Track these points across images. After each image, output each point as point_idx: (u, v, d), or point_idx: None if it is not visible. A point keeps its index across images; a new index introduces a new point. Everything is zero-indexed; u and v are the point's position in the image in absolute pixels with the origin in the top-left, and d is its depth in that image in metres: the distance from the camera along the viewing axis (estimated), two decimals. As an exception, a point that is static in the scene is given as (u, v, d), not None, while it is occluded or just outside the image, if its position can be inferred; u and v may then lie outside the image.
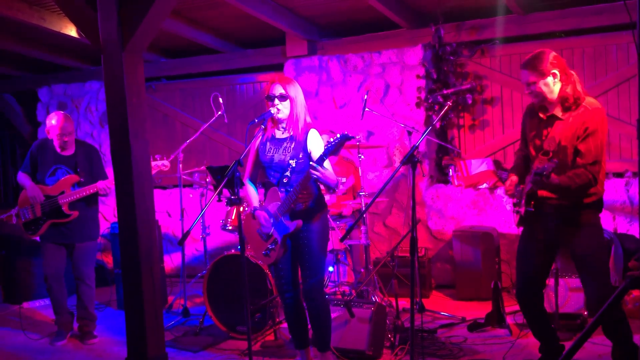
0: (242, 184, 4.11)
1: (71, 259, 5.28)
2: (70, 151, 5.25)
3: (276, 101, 3.86)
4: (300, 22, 6.76)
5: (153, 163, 5.05)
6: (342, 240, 4.00)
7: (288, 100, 3.86)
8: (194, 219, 7.30)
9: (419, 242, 6.24)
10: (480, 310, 5.38)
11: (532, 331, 3.92)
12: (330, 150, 3.59)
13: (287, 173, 3.87)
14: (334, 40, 7.18)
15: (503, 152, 6.81)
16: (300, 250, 3.93)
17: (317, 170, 3.62)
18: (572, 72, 3.61)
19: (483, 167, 6.60)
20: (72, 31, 6.55)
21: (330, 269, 5.33)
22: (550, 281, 4.69)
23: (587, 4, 6.13)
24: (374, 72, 6.95)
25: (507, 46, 6.65)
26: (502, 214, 6.38)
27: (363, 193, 5.26)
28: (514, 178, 3.76)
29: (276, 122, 3.95)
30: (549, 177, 3.33)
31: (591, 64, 6.35)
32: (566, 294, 4.90)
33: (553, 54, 3.58)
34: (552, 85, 3.55)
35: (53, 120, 5.17)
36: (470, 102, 6.69)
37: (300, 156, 3.84)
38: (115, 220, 7.53)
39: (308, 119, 3.96)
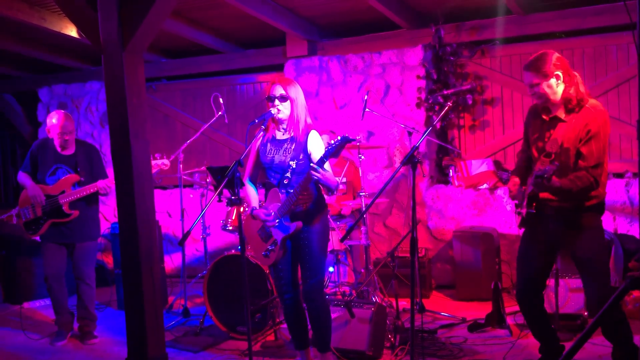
0: (243, 185, 4.11)
1: (71, 259, 5.28)
2: (70, 151, 5.25)
3: (276, 102, 3.86)
4: (300, 23, 6.76)
5: (153, 162, 5.06)
6: (342, 240, 4.01)
7: (288, 101, 3.87)
8: (194, 219, 7.30)
9: (419, 243, 6.24)
10: (480, 310, 5.38)
11: (532, 332, 3.92)
12: (331, 153, 3.59)
13: (288, 174, 3.87)
14: (334, 41, 7.19)
15: (503, 152, 6.82)
16: (301, 251, 3.93)
17: (318, 172, 3.62)
18: (575, 73, 3.60)
19: (483, 168, 6.61)
20: (72, 31, 6.55)
21: (331, 269, 5.33)
22: (551, 282, 4.69)
23: (587, 5, 6.13)
24: (374, 73, 6.95)
25: (507, 47, 6.65)
26: (502, 215, 6.38)
27: (363, 193, 5.26)
28: (516, 180, 3.76)
29: (277, 122, 3.95)
30: (550, 179, 3.32)
31: (591, 65, 6.35)
32: (566, 294, 4.90)
33: (556, 55, 3.57)
34: (556, 87, 3.54)
35: (54, 119, 5.18)
36: (470, 102, 6.70)
37: (301, 157, 3.84)
38: (116, 220, 7.53)
39: (308, 120, 3.96)
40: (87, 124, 8.39)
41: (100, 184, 5.08)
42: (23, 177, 5.24)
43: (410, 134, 5.74)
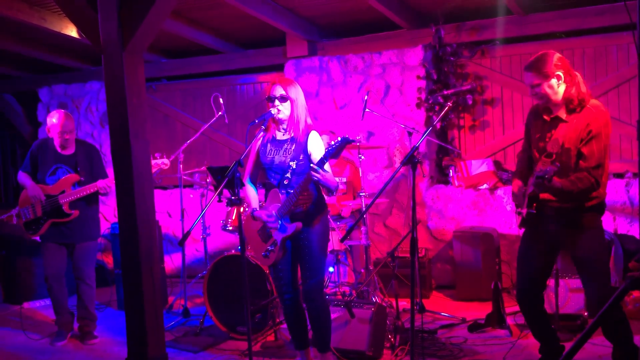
0: (243, 185, 4.11)
1: (72, 259, 5.28)
2: (70, 150, 5.25)
3: (276, 102, 3.86)
4: (300, 23, 6.76)
5: (153, 161, 5.06)
6: (342, 240, 4.00)
7: (288, 102, 3.87)
8: (194, 219, 7.30)
9: (419, 243, 6.24)
10: (480, 310, 5.38)
11: (532, 332, 3.92)
12: (331, 154, 3.59)
13: (288, 175, 3.87)
14: (335, 41, 7.19)
15: (503, 152, 6.82)
16: (301, 251, 3.93)
17: (318, 173, 3.63)
18: (577, 73, 3.59)
19: (483, 168, 6.61)
20: (72, 31, 6.55)
21: (331, 269, 5.33)
22: (551, 282, 4.69)
23: (588, 5, 6.13)
24: (375, 73, 6.95)
25: (507, 47, 6.65)
26: (502, 215, 6.38)
27: (363, 194, 5.26)
28: (519, 183, 3.75)
29: (277, 123, 3.95)
30: (551, 180, 3.31)
31: (591, 65, 6.35)
32: (566, 294, 4.90)
33: (557, 55, 3.56)
34: (557, 87, 3.53)
35: (54, 119, 5.18)
36: (470, 102, 6.70)
37: (301, 158, 3.84)
38: (116, 220, 7.53)
39: (309, 121, 3.96)
40: (87, 124, 8.39)
41: (100, 183, 5.08)
42: (23, 177, 5.24)
43: (410, 134, 5.74)
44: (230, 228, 5.34)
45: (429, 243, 6.71)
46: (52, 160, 5.22)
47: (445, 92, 6.61)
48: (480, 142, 6.91)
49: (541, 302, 3.86)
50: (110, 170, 4.58)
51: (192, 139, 6.09)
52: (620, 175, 6.20)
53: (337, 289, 5.24)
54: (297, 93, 3.90)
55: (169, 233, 7.91)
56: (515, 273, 3.93)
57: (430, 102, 6.69)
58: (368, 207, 4.10)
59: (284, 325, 4.81)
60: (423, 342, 4.65)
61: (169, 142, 7.90)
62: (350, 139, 3.59)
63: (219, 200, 5.38)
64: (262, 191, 4.14)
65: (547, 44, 6.38)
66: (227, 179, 3.59)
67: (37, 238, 5.27)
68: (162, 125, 8.22)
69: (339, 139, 3.57)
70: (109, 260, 7.80)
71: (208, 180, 6.00)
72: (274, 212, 3.89)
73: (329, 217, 4.21)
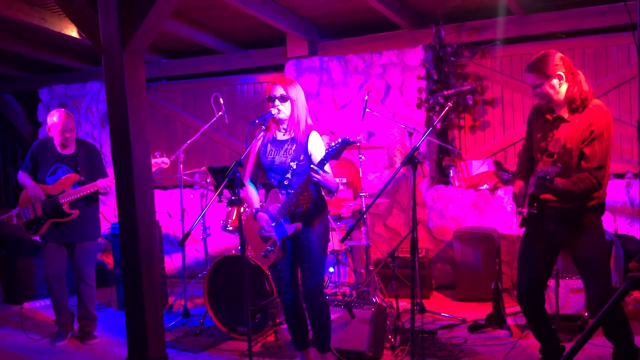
0: (243, 185, 4.11)
1: (72, 259, 5.28)
2: (70, 150, 5.25)
3: (277, 102, 3.85)
4: (301, 23, 6.76)
5: (153, 160, 5.06)
6: (342, 241, 4.00)
7: (289, 102, 3.86)
8: (194, 219, 7.30)
9: (420, 243, 6.25)
10: (480, 311, 5.38)
11: (532, 332, 3.91)
12: (332, 155, 3.59)
13: (288, 175, 3.87)
14: (335, 41, 7.19)
15: (504, 153, 6.81)
16: (300, 252, 3.93)
17: (318, 174, 3.62)
18: (579, 72, 3.59)
19: (484, 168, 6.61)
20: (72, 32, 6.55)
21: (331, 269, 5.32)
22: (551, 282, 4.69)
23: (588, 5, 6.13)
24: (375, 73, 6.95)
25: (507, 47, 6.65)
26: (502, 215, 6.38)
27: (363, 194, 5.26)
28: (521, 184, 3.74)
29: (277, 123, 3.94)
30: (553, 181, 3.30)
31: (592, 65, 6.35)
32: (567, 295, 4.90)
33: (559, 55, 3.55)
34: (558, 87, 3.52)
35: (54, 117, 5.18)
36: (470, 103, 6.70)
37: (301, 158, 3.84)
38: (116, 220, 7.53)
39: (309, 121, 3.95)
40: (88, 124, 8.39)
41: (100, 183, 5.08)
42: (23, 177, 5.24)
43: (410, 134, 5.74)
44: (231, 228, 5.34)
45: (429, 243, 6.71)
46: (52, 159, 5.22)
47: (446, 93, 6.61)
48: (481, 143, 6.90)
49: (542, 302, 3.86)
50: (110, 170, 4.58)
51: (192, 139, 6.09)
52: (620, 176, 6.20)
53: (337, 289, 5.24)
54: (297, 93, 3.89)
55: (169, 233, 7.91)
56: (516, 273, 3.93)
57: (430, 102, 6.69)
58: (368, 207, 4.10)
59: (284, 326, 4.81)
60: (423, 342, 4.65)
61: (170, 142, 7.90)
62: (351, 140, 3.58)
63: (219, 201, 5.38)
64: (263, 191, 4.14)
65: (547, 44, 6.38)
66: (227, 179, 3.59)
67: (37, 238, 5.27)
68: (162, 126, 8.22)
69: (340, 140, 3.56)
70: (109, 260, 7.80)
71: (208, 180, 5.99)
72: (274, 214, 3.89)
73: (329, 217, 4.21)
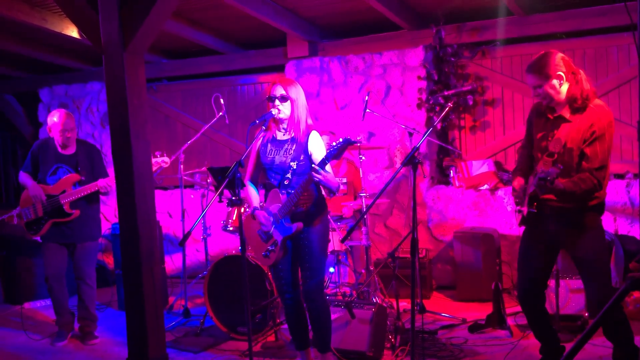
0: (243, 185, 4.11)
1: (72, 259, 5.28)
2: (71, 150, 5.25)
3: (277, 102, 3.85)
4: (301, 23, 6.76)
5: (153, 160, 5.06)
6: (343, 241, 4.00)
7: (289, 102, 3.86)
8: (195, 219, 7.30)
9: (420, 243, 6.25)
10: (481, 311, 5.38)
11: (533, 332, 3.91)
12: (333, 154, 3.59)
13: (288, 175, 3.87)
14: (335, 42, 7.19)
15: (504, 153, 6.82)
16: (301, 252, 3.93)
17: (319, 174, 3.62)
18: (581, 70, 3.58)
19: (484, 169, 6.61)
20: (73, 32, 6.55)
21: (331, 269, 5.33)
22: (551, 282, 4.69)
23: (588, 6, 6.13)
24: (375, 73, 6.96)
25: (507, 47, 6.66)
26: (502, 215, 6.38)
27: (364, 194, 5.26)
28: (521, 180, 3.74)
29: (277, 123, 3.95)
30: (554, 182, 3.30)
31: (592, 65, 6.35)
32: (567, 295, 4.90)
33: (559, 55, 3.55)
34: (559, 87, 3.52)
35: (55, 117, 5.18)
36: (471, 103, 6.70)
37: (301, 158, 3.84)
38: (117, 220, 7.53)
39: (309, 121, 3.95)
40: (88, 125, 8.40)
41: (100, 182, 5.08)
42: (24, 177, 5.25)
43: (411, 134, 5.74)
44: (231, 228, 5.35)
45: (429, 243, 6.71)
46: (53, 160, 5.22)
47: (446, 93, 6.61)
48: (481, 143, 6.91)
49: (542, 302, 3.86)
50: (111, 171, 4.58)
51: (192, 140, 6.09)
52: (620, 176, 6.20)
53: (337, 290, 5.24)
54: (297, 93, 3.89)
55: (169, 233, 7.92)
56: (516, 274, 3.93)
57: (430, 102, 6.69)
58: (369, 207, 4.11)
59: (285, 326, 4.82)
60: (423, 342, 4.65)
61: (170, 143, 7.90)
62: (352, 139, 3.58)
63: (220, 201, 5.37)
64: (263, 192, 4.14)
65: (547, 44, 6.38)
66: (227, 180, 3.59)
67: (38, 238, 5.27)
68: (162, 126, 8.23)
69: (341, 139, 3.56)
70: (109, 260, 7.80)
71: (209, 180, 6.00)
72: (271, 218, 3.89)
73: (329, 217, 4.21)
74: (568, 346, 3.58)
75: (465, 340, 4.77)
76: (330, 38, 7.24)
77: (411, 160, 3.49)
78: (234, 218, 5.35)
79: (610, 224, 5.93)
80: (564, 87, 3.53)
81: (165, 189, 8.14)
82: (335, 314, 4.44)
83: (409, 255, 4.72)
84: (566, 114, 3.56)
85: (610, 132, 3.49)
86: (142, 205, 4.04)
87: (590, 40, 6.36)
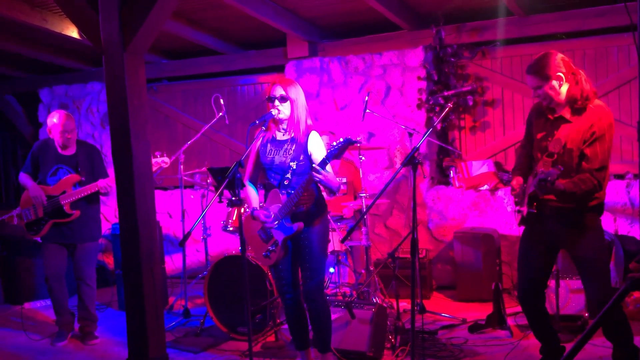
0: (243, 185, 4.11)
1: (72, 259, 5.28)
2: (71, 151, 5.25)
3: (277, 102, 3.86)
4: (301, 24, 6.76)
5: (153, 160, 5.06)
6: (343, 241, 4.01)
7: (288, 102, 3.86)
8: (195, 220, 7.31)
9: (420, 244, 6.25)
10: (481, 311, 5.38)
11: (533, 332, 3.92)
12: (334, 154, 3.59)
13: (288, 175, 3.87)
14: (335, 42, 7.19)
15: (504, 153, 6.82)
16: (301, 252, 3.93)
17: (320, 174, 3.62)
18: (581, 71, 3.58)
19: (484, 169, 6.61)
20: (73, 32, 6.55)
21: (331, 270, 5.33)
22: (551, 283, 4.69)
23: (588, 6, 6.13)
24: (375, 74, 6.96)
25: (507, 48, 6.66)
26: (503, 216, 6.38)
27: (364, 194, 5.26)
28: (520, 180, 3.74)
29: (277, 123, 3.95)
30: (554, 183, 3.30)
31: (592, 66, 6.35)
32: (567, 295, 4.90)
33: (559, 56, 3.55)
34: (559, 88, 3.52)
35: (55, 119, 5.18)
36: (471, 103, 6.70)
37: (301, 158, 3.84)
38: (117, 221, 7.54)
39: (309, 121, 3.95)
40: (88, 125, 8.40)
41: (101, 183, 5.08)
42: (24, 178, 5.25)
43: (410, 135, 5.75)
44: (231, 229, 5.35)
45: (429, 244, 6.71)
46: (53, 160, 5.22)
47: (446, 93, 6.61)
48: (481, 143, 6.91)
49: (542, 302, 3.86)
50: (111, 171, 4.58)
51: (192, 140, 6.09)
52: (620, 177, 6.20)
53: (337, 290, 5.25)
54: (297, 93, 3.89)
55: (169, 234, 7.92)
56: (516, 274, 3.93)
57: (430, 103, 6.69)
58: (369, 207, 4.11)
59: (285, 326, 4.82)
60: (423, 342, 4.66)
61: (170, 143, 7.91)
62: (353, 139, 3.57)
63: (220, 201, 5.38)
64: (263, 192, 4.14)
65: (547, 45, 6.38)
66: (227, 180, 3.59)
67: (38, 239, 5.27)
68: (163, 126, 8.23)
69: (342, 139, 3.56)
70: (109, 260, 7.80)
71: (209, 181, 6.00)
72: (272, 213, 3.89)
73: (329, 217, 4.21)
74: (568, 346, 3.59)
75: (465, 340, 4.78)
76: (330, 38, 7.25)
77: (411, 161, 3.49)
78: (234, 218, 5.36)
79: (610, 224, 5.93)
80: (564, 88, 3.53)
81: (165, 189, 8.15)
82: (335, 314, 4.44)
83: (409, 256, 4.73)
84: (566, 114, 3.56)
85: (610, 132, 3.49)
86: (142, 205, 4.04)
87: (590, 41, 6.36)
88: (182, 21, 6.56)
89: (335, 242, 5.28)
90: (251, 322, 3.99)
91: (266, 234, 3.97)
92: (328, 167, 3.71)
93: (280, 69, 7.53)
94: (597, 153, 3.45)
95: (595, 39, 6.33)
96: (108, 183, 5.08)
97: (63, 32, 6.45)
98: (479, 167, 6.63)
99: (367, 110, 5.59)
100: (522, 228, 3.81)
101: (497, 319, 4.91)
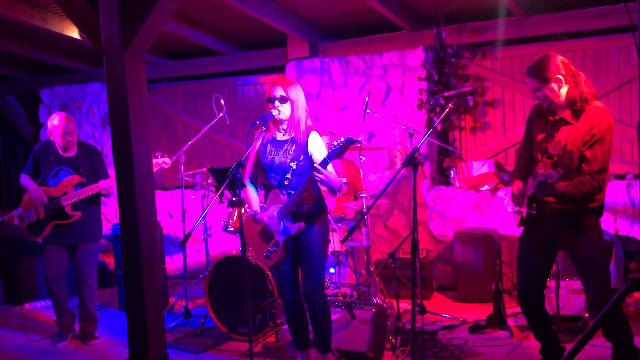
0: (244, 186, 4.11)
1: (73, 260, 5.28)
2: (72, 152, 5.26)
3: (277, 103, 3.86)
4: (301, 24, 6.77)
5: (154, 161, 5.06)
6: (343, 241, 4.01)
7: (289, 102, 3.86)
8: (195, 220, 7.31)
9: (420, 244, 6.24)
10: (481, 312, 5.38)
11: (532, 332, 3.92)
12: (335, 154, 3.59)
13: (288, 175, 3.87)
14: (336, 42, 7.19)
15: (504, 154, 6.82)
16: (301, 252, 3.93)
17: (321, 173, 3.62)
18: (581, 73, 3.58)
19: (484, 169, 6.61)
20: (74, 33, 6.56)
21: (332, 270, 5.33)
22: (552, 283, 4.69)
23: (588, 6, 6.13)
24: (376, 74, 6.96)
25: (508, 48, 6.66)
26: (503, 216, 6.38)
27: (364, 195, 5.26)
28: (519, 184, 3.74)
29: (277, 123, 3.95)
30: (554, 186, 3.30)
31: (592, 66, 6.35)
32: (567, 296, 4.90)
33: (559, 58, 3.55)
34: (558, 90, 3.52)
35: (55, 121, 5.19)
36: (471, 104, 6.70)
37: (301, 159, 3.85)
38: (117, 221, 7.54)
39: (309, 122, 3.95)
40: (89, 125, 8.40)
41: (102, 184, 5.08)
42: (25, 180, 5.25)
43: (411, 135, 5.75)
44: (231, 229, 5.35)
45: (429, 244, 6.71)
46: (54, 162, 5.22)
47: (446, 94, 6.61)
48: (481, 144, 6.91)
49: (542, 302, 3.86)
50: (112, 172, 4.58)
51: (193, 140, 6.10)
52: (621, 177, 6.20)
53: (338, 290, 5.25)
54: (297, 94, 3.89)
55: (170, 234, 7.92)
56: (516, 274, 3.93)
57: (431, 103, 6.69)
58: (369, 208, 4.11)
59: (285, 326, 4.82)
60: (424, 343, 4.66)
61: (171, 143, 7.91)
62: (354, 138, 3.57)
63: (220, 202, 5.39)
64: (262, 192, 4.14)
65: (548, 45, 6.39)
66: (228, 180, 3.60)
67: (39, 240, 5.27)
68: (163, 127, 8.23)
69: (343, 139, 3.55)
70: (110, 261, 7.81)
71: (209, 181, 6.00)
72: (275, 214, 3.89)
73: (330, 217, 4.21)
74: (568, 347, 3.59)
75: (465, 340, 4.78)
76: (330, 39, 7.25)
77: (411, 161, 3.49)
78: (234, 219, 5.36)
79: (611, 224, 5.93)
80: (563, 90, 3.53)
81: (165, 189, 8.15)
82: (335, 315, 4.44)
83: (409, 256, 4.72)
84: (567, 116, 3.57)
85: (610, 134, 3.50)
86: (143, 205, 4.04)
87: (590, 41, 6.36)
88: (183, 22, 6.56)
89: (335, 243, 5.28)
90: (251, 322, 3.99)
91: (267, 235, 3.97)
92: (329, 167, 3.71)
93: (280, 69, 7.53)
94: (597, 155, 3.45)
95: (596, 40, 6.33)
96: (109, 184, 5.08)
97: (63, 33, 6.46)
98: (480, 168, 6.63)
99: (368, 111, 5.59)
100: (522, 229, 3.82)
101: (498, 320, 4.91)
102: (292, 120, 3.89)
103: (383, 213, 6.93)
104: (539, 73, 3.52)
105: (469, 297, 5.98)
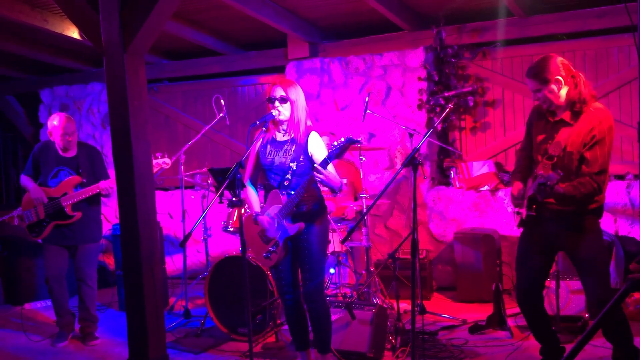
0: (244, 186, 4.11)
1: (73, 260, 5.28)
2: (72, 152, 5.26)
3: (277, 103, 3.86)
4: (301, 24, 6.77)
5: (154, 161, 5.06)
6: (343, 242, 4.01)
7: (289, 103, 3.86)
8: (195, 220, 7.31)
9: (420, 244, 6.25)
10: (481, 312, 5.38)
11: (532, 332, 3.92)
12: (336, 154, 3.58)
13: (288, 176, 3.87)
14: (336, 43, 7.19)
15: (504, 154, 6.82)
16: (301, 253, 3.93)
17: (322, 173, 3.62)
18: (580, 74, 3.58)
19: (484, 169, 6.61)
20: (74, 33, 6.56)
21: (332, 270, 5.33)
22: (552, 283, 4.69)
23: (588, 7, 6.13)
24: (376, 74, 6.96)
25: (508, 48, 6.66)
26: (503, 216, 6.38)
27: (364, 195, 5.26)
28: (520, 185, 3.74)
29: (277, 124, 3.95)
30: (554, 187, 3.30)
31: (592, 67, 6.35)
32: (567, 296, 4.90)
33: (558, 59, 3.55)
34: (557, 91, 3.53)
35: (55, 121, 5.19)
36: (471, 104, 6.70)
37: (301, 159, 3.85)
38: (117, 221, 7.54)
39: (309, 122, 3.95)
40: (89, 126, 8.40)
41: (102, 184, 5.08)
42: (25, 180, 5.25)
43: (411, 135, 5.74)
44: (231, 229, 5.35)
45: (429, 244, 6.71)
46: (54, 162, 5.22)
47: (447, 94, 6.61)
48: (482, 144, 6.91)
49: (541, 302, 3.87)
50: (112, 172, 4.58)
51: (193, 141, 6.10)
52: (621, 177, 6.20)
53: (338, 291, 5.25)
54: (297, 94, 3.89)
55: (170, 234, 7.92)
56: (516, 274, 3.93)
57: (431, 103, 6.69)
58: (369, 208, 4.10)
59: (285, 327, 4.82)
60: (424, 343, 4.66)
61: (171, 144, 7.91)
62: (355, 138, 3.57)
63: (220, 202, 5.39)
64: (262, 192, 4.14)
65: (548, 45, 6.39)
66: (228, 181, 3.60)
67: (39, 240, 5.27)
68: (163, 127, 8.23)
69: (343, 139, 3.55)
70: (110, 261, 7.80)
71: (209, 181, 6.00)
72: (274, 217, 3.89)
73: (330, 218, 4.21)
74: (568, 347, 3.59)
75: (465, 341, 4.77)
76: (330, 39, 7.25)
77: (412, 161, 3.49)
78: (234, 219, 5.36)
79: (611, 225, 5.93)
80: (563, 91, 3.54)
81: (166, 189, 8.15)
82: (335, 315, 4.44)
83: (409, 256, 4.72)
84: (567, 117, 3.57)
85: (610, 136, 3.50)
86: (143, 205, 4.04)
87: (590, 42, 6.36)
88: (183, 22, 6.56)
89: (335, 243, 5.28)
90: (251, 322, 3.98)
91: (267, 235, 3.97)
92: (330, 167, 3.71)
93: (280, 69, 7.53)
94: (597, 156, 3.45)
95: (596, 40, 6.33)
96: (109, 184, 5.08)
97: (64, 33, 6.46)
98: (480, 168, 6.63)
99: (368, 111, 5.59)
100: (522, 229, 3.81)
101: (498, 320, 4.91)
102: (292, 121, 3.89)
103: (383, 213, 6.93)
104: (539, 74, 3.52)
105: (469, 297, 5.97)
